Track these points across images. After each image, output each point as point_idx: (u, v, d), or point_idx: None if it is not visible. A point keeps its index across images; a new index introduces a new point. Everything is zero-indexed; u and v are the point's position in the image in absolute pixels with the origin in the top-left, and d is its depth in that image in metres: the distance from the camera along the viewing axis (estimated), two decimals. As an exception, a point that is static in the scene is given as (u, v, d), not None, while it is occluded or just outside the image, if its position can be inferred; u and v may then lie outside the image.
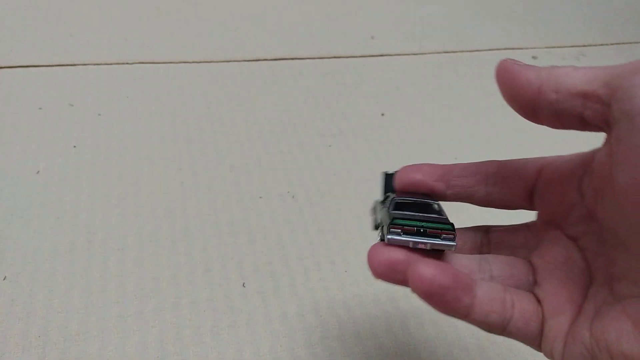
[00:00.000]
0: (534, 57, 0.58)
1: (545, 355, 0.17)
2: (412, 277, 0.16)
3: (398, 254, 0.17)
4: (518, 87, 0.16)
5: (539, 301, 0.17)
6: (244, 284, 0.30)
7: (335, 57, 0.52)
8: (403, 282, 0.16)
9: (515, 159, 0.20)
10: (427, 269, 0.15)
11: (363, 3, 0.62)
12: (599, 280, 0.17)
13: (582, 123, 0.15)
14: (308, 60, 0.51)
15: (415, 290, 0.16)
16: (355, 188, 0.38)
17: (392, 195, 0.20)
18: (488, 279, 0.18)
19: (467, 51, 0.57)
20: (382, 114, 0.46)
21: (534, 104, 0.16)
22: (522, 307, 0.17)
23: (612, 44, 0.63)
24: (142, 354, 0.26)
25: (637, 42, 0.65)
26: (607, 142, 0.15)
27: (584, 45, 0.62)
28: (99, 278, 0.29)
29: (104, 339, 0.27)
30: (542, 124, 0.16)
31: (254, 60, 0.50)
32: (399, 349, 0.28)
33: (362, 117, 0.45)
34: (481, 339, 0.29)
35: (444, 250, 0.18)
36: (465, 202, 0.20)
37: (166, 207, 0.34)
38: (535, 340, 0.17)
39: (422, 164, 0.20)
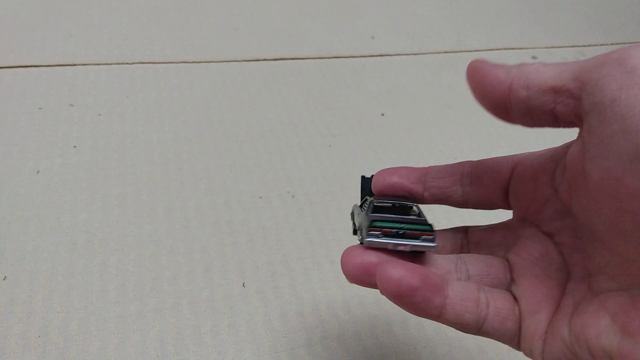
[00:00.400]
0: (533, 58, 0.58)
1: (525, 354, 0.17)
2: (380, 278, 0.15)
3: (371, 257, 0.16)
4: (488, 86, 0.16)
5: (515, 299, 0.17)
6: (244, 283, 0.30)
7: (335, 57, 0.52)
8: (377, 285, 0.16)
9: (489, 158, 0.19)
10: (394, 270, 0.15)
11: (363, 3, 0.62)
12: (577, 275, 0.16)
13: (554, 119, 0.15)
14: (308, 60, 0.51)
15: (384, 291, 0.15)
16: (355, 188, 0.38)
17: (369, 199, 0.19)
18: (465, 278, 0.18)
19: (467, 51, 0.57)
20: (382, 114, 0.46)
21: (505, 102, 0.15)
22: (497, 306, 0.17)
23: (612, 44, 0.63)
24: (142, 354, 0.26)
25: (637, 42, 0.65)
26: (580, 136, 0.15)
27: (584, 46, 0.62)
28: (99, 278, 0.29)
29: (104, 339, 0.27)
30: (514, 122, 0.16)
31: (253, 60, 0.50)
32: (399, 348, 0.28)
33: (362, 117, 0.45)
34: (481, 339, 0.29)
35: (424, 252, 0.17)
36: (442, 204, 0.20)
37: (166, 207, 0.34)
38: (514, 339, 0.17)
39: (398, 167, 0.20)
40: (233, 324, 0.28)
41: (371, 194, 0.21)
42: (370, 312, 0.30)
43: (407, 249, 0.16)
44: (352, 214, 0.23)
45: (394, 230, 0.16)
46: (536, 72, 0.15)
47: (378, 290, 0.31)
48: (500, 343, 0.29)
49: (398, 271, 0.15)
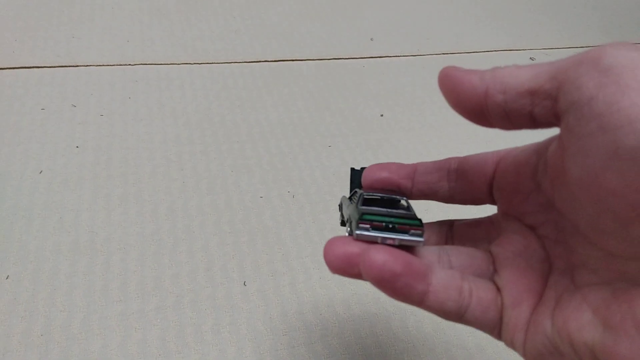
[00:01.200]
0: (531, 59, 0.58)
1: (506, 344, 0.17)
2: (363, 263, 0.15)
3: (354, 248, 0.16)
4: (463, 93, 0.16)
5: (498, 290, 0.17)
6: (244, 282, 0.31)
7: (335, 59, 0.53)
8: (359, 275, 0.16)
9: (475, 154, 0.20)
10: (378, 255, 0.15)
11: (363, 5, 0.63)
12: (559, 268, 0.17)
13: (533, 121, 0.15)
14: (308, 61, 0.52)
15: (367, 276, 0.16)
16: (355, 188, 0.38)
17: (359, 191, 0.20)
18: (447, 269, 0.18)
19: (466, 52, 0.57)
20: (382, 115, 0.46)
21: (482, 108, 0.15)
22: (479, 295, 0.17)
23: (610, 46, 0.63)
24: (144, 352, 0.27)
25: (635, 43, 0.65)
26: (559, 135, 0.15)
27: (582, 47, 0.62)
28: (101, 277, 0.30)
29: (106, 337, 0.27)
30: (492, 127, 0.16)
31: (254, 62, 0.50)
32: (398, 346, 0.28)
33: (362, 117, 0.45)
34: (479, 338, 0.29)
35: (412, 247, 0.18)
36: (430, 199, 0.20)
37: (168, 206, 0.35)
38: (495, 329, 0.17)
39: (388, 162, 0.20)
40: (234, 322, 0.28)
41: (360, 187, 0.21)
42: (370, 310, 0.30)
43: (395, 242, 0.17)
44: (340, 206, 0.23)
45: (383, 223, 0.16)
46: (511, 75, 0.15)
47: (377, 289, 0.31)
48: (499, 342, 0.29)
49: (382, 256, 0.15)
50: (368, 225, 0.16)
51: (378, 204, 0.18)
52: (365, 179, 0.20)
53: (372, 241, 0.17)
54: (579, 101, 0.13)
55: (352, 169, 0.22)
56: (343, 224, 0.22)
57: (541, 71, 0.14)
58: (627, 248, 0.14)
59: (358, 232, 0.16)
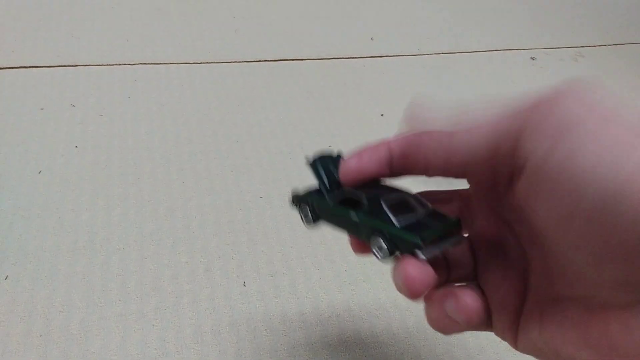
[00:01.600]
0: (532, 58, 0.58)
1: (497, 336, 0.18)
2: (459, 305, 0.17)
3: (430, 272, 0.16)
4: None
5: (482, 292, 0.18)
6: (244, 283, 0.31)
7: (335, 58, 0.53)
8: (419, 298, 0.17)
9: (448, 135, 0.19)
10: (469, 298, 0.17)
11: (363, 5, 0.63)
12: (537, 269, 0.17)
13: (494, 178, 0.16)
14: (308, 61, 0.52)
15: (460, 318, 0.17)
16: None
17: (364, 194, 0.18)
18: (445, 265, 0.19)
19: (466, 52, 0.57)
20: (382, 115, 0.46)
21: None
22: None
23: (610, 45, 0.63)
24: (144, 353, 0.26)
25: (635, 43, 0.65)
26: (522, 181, 0.15)
27: (582, 46, 0.62)
28: (100, 277, 0.30)
29: (106, 337, 0.27)
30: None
31: (254, 61, 0.50)
32: (398, 347, 0.28)
33: (362, 117, 0.45)
34: (480, 338, 0.29)
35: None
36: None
37: (167, 206, 0.35)
38: (487, 327, 0.18)
39: (361, 153, 0.19)
40: (234, 322, 0.28)
41: (333, 179, 0.20)
42: (370, 311, 0.30)
43: (450, 249, 0.18)
44: (300, 202, 0.21)
45: (437, 237, 0.17)
46: (462, 142, 0.16)
47: (377, 289, 0.31)
48: (499, 343, 0.29)
49: (471, 299, 0.17)
50: (431, 245, 0.17)
51: (401, 209, 0.18)
52: (346, 175, 0.19)
53: (434, 256, 0.17)
54: (535, 164, 0.14)
55: (313, 161, 0.20)
56: (315, 219, 0.20)
57: (480, 141, 0.16)
58: (598, 280, 0.14)
59: (429, 254, 0.16)
